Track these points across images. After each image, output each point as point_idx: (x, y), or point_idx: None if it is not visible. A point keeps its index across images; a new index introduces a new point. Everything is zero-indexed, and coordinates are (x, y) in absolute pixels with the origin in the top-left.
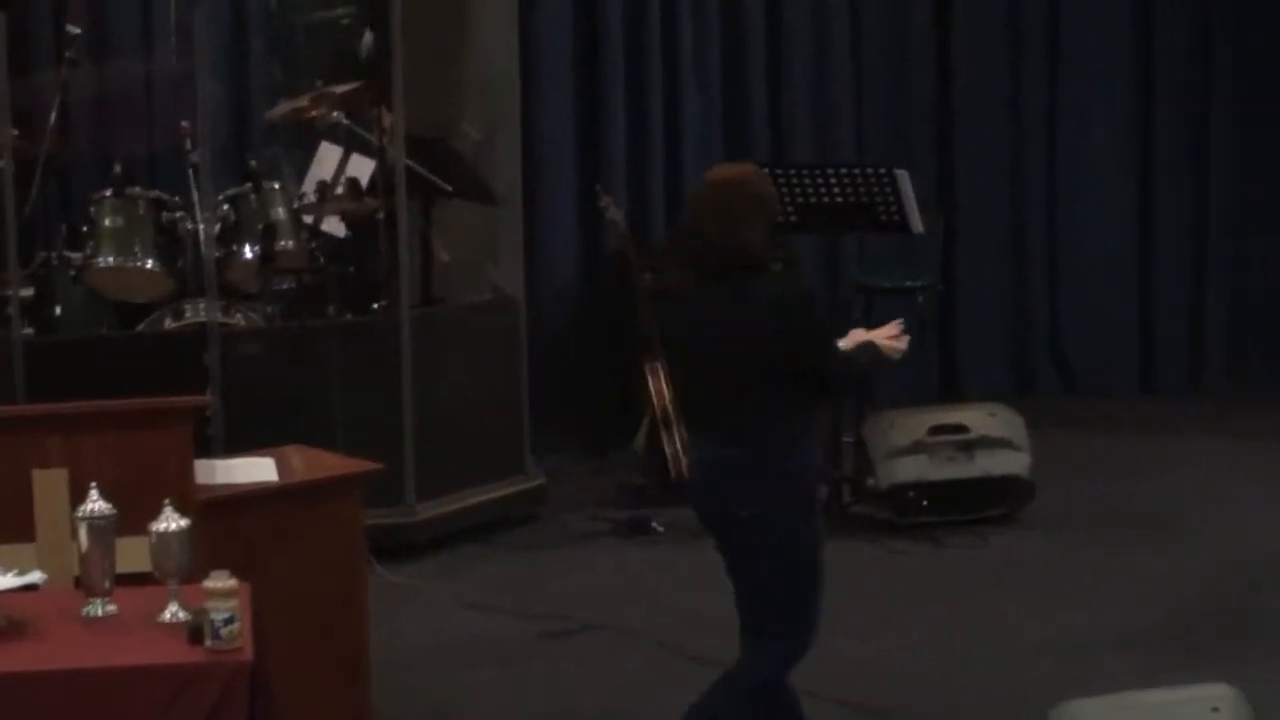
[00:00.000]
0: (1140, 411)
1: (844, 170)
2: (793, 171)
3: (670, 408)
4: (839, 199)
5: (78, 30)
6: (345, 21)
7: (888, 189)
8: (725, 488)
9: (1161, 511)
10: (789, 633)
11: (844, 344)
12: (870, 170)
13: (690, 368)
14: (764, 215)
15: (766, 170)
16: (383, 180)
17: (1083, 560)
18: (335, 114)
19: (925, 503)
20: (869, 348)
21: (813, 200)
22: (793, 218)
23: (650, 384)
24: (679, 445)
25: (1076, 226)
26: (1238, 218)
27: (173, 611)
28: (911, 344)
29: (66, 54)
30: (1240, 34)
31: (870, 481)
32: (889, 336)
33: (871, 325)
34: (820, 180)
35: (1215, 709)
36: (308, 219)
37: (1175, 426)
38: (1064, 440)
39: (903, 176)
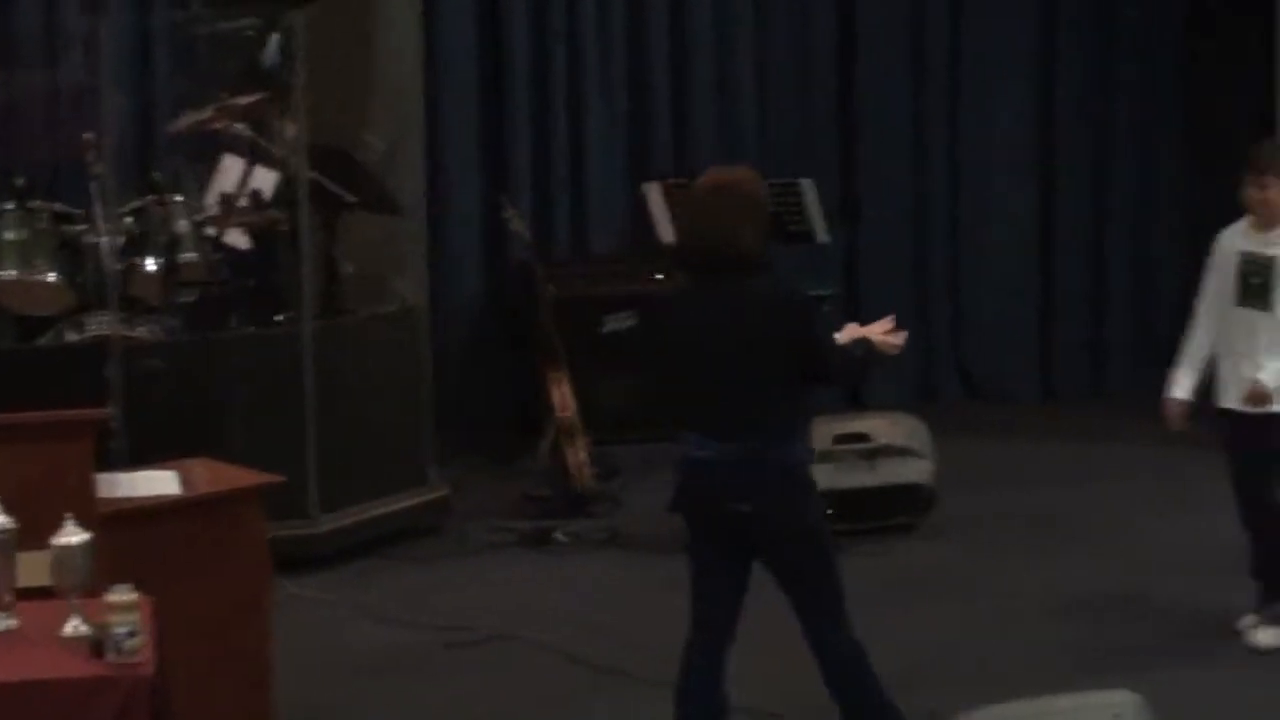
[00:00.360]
0: (1042, 418)
1: None
2: (695, 181)
3: (573, 419)
4: None
5: None
6: (249, 33)
7: (792, 199)
8: (729, 484)
9: (1063, 517)
10: (831, 608)
11: (840, 338)
12: (775, 181)
13: (692, 367)
14: (759, 217)
15: (670, 181)
16: (286, 192)
17: (986, 567)
18: (239, 126)
19: (830, 511)
20: (865, 343)
21: None
22: None
23: (554, 395)
24: (582, 456)
25: (978, 236)
26: (1139, 227)
27: (74, 626)
28: None
29: None
30: (1140, 43)
31: None
32: (883, 332)
33: None
34: None
35: (1117, 715)
36: (211, 231)
37: (1076, 433)
38: (966, 448)
39: (808, 186)
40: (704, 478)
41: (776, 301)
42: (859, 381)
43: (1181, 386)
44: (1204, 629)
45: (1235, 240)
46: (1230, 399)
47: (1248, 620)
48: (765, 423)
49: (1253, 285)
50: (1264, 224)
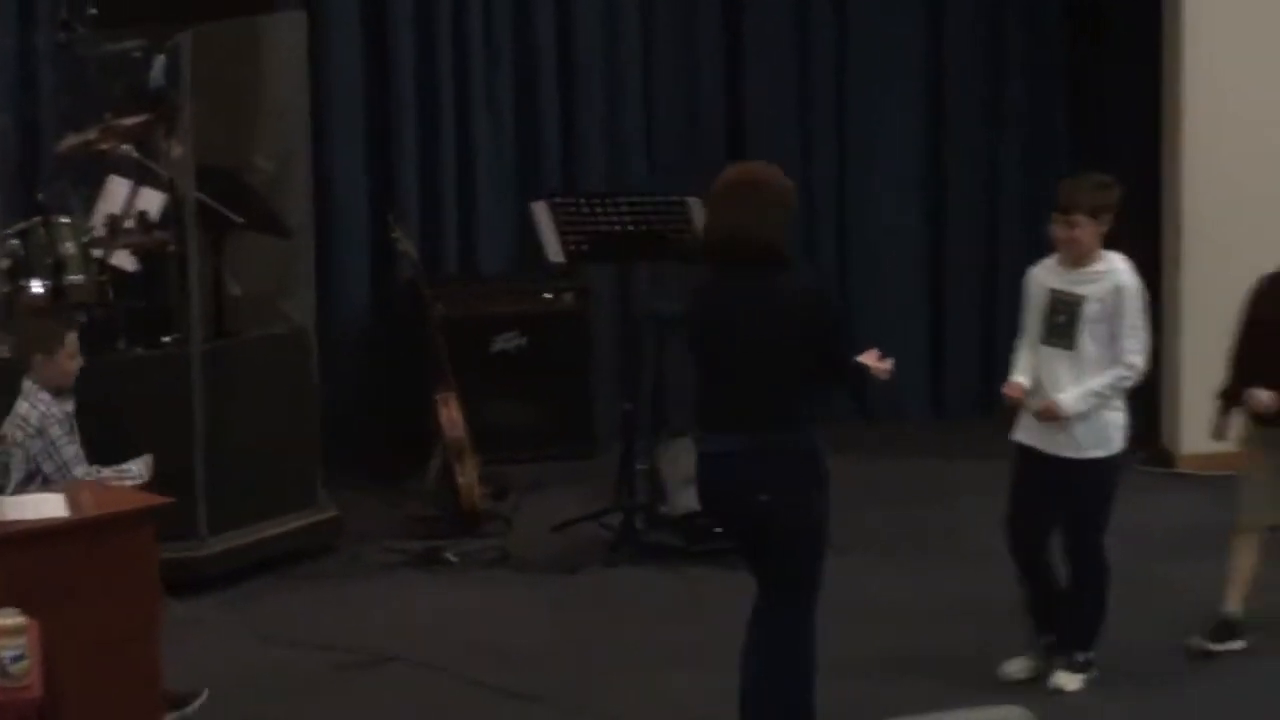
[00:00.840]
0: (932, 436)
1: (635, 199)
2: (584, 200)
3: (463, 439)
4: (631, 228)
5: None
6: (136, 54)
7: (679, 217)
8: (745, 478)
9: (954, 534)
10: (803, 600)
11: None
12: (662, 198)
13: (710, 363)
14: (784, 211)
15: (559, 200)
16: (173, 213)
17: (877, 584)
18: (125, 147)
19: (719, 529)
20: (859, 366)
21: (604, 229)
22: (584, 247)
23: (442, 415)
24: (472, 476)
25: (867, 253)
26: (1027, 244)
27: None
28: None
29: None
30: (1027, 64)
31: (664, 509)
32: (875, 359)
33: (666, 353)
34: (612, 209)
35: None
36: (97, 253)
37: (967, 450)
38: (857, 466)
39: (694, 204)
40: (724, 471)
41: (801, 297)
42: (859, 394)
43: (1022, 375)
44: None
45: (1045, 277)
46: (1025, 434)
47: (1013, 666)
48: (784, 414)
49: (1058, 324)
50: (1072, 262)
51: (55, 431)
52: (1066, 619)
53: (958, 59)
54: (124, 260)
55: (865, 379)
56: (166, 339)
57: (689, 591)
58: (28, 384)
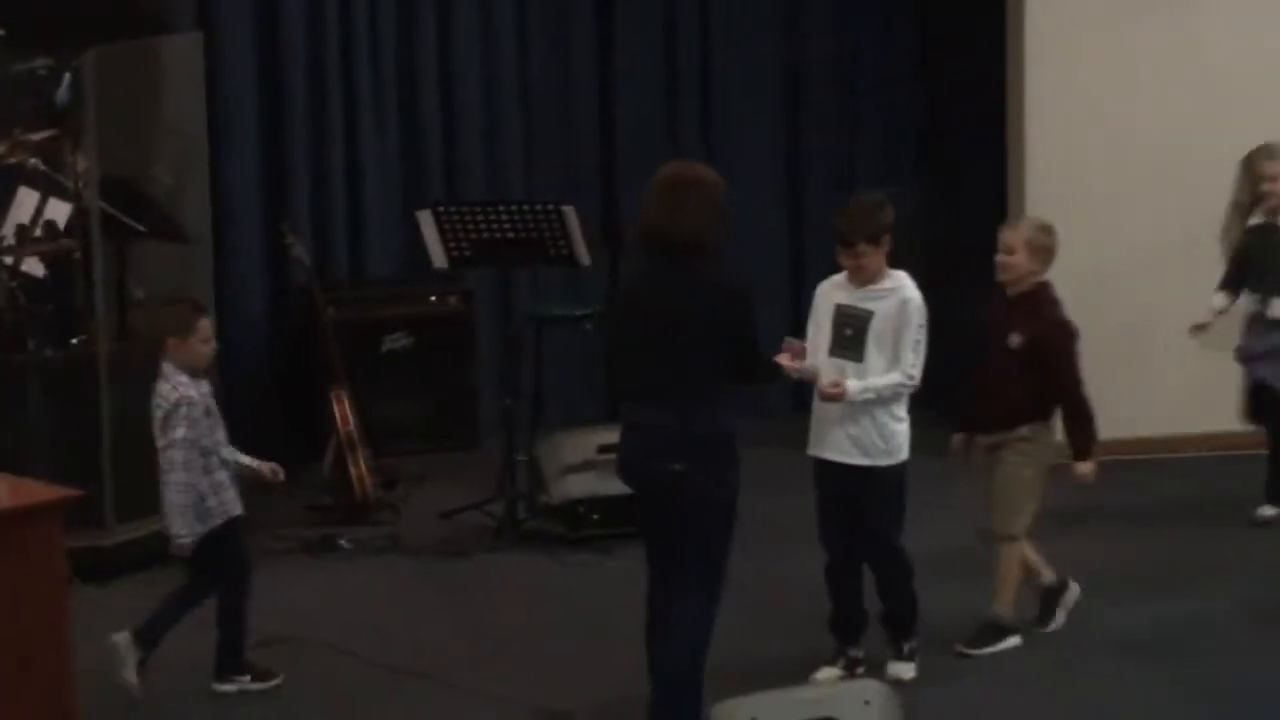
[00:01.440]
0: (793, 427)
1: (515, 207)
2: (466, 209)
3: (354, 433)
4: (510, 235)
5: None
6: (42, 73)
7: (556, 225)
8: (661, 447)
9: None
10: (708, 585)
11: None
12: (539, 207)
13: (635, 341)
14: (716, 209)
15: (442, 209)
16: (78, 222)
17: (742, 566)
18: (32, 160)
19: (595, 516)
20: (773, 363)
21: (485, 236)
22: (467, 253)
23: (335, 410)
24: (363, 467)
25: (732, 253)
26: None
27: None
28: (579, 366)
29: None
30: (878, 83)
31: (544, 498)
32: (788, 359)
33: (544, 352)
34: (493, 217)
35: (867, 702)
36: (7, 260)
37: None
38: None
39: (569, 213)
40: (642, 439)
41: (717, 286)
42: (767, 384)
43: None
44: (942, 628)
45: (833, 293)
46: (818, 447)
47: (822, 674)
48: (700, 393)
49: (846, 337)
50: (860, 283)
51: (190, 411)
52: (887, 618)
53: (813, 79)
54: (33, 266)
55: (774, 374)
56: (74, 340)
57: (567, 574)
58: (166, 366)
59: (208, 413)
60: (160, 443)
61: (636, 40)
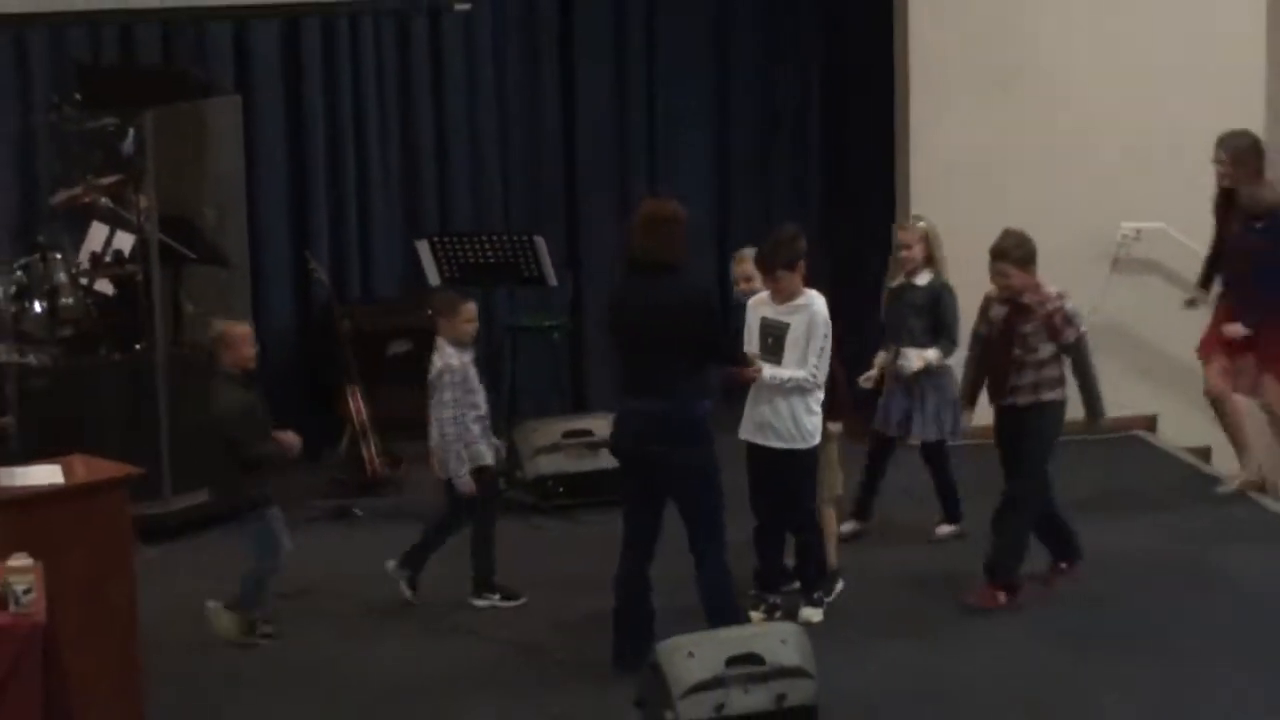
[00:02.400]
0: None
1: (494, 237)
2: (455, 238)
3: (365, 422)
4: (491, 259)
5: None
6: (111, 130)
7: (528, 251)
8: (649, 431)
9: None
10: (713, 535)
11: None
12: (515, 236)
13: (624, 342)
14: (681, 235)
15: (436, 239)
16: (140, 250)
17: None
18: (103, 200)
19: (562, 490)
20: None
21: (471, 260)
22: (456, 274)
23: (350, 404)
24: (372, 450)
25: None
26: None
27: None
28: (548, 367)
29: None
30: (792, 127)
31: (519, 474)
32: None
33: (518, 355)
34: (477, 245)
35: (784, 641)
36: (84, 281)
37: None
38: None
39: (540, 242)
40: (631, 424)
41: (688, 297)
42: (731, 363)
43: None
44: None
45: (759, 308)
46: (747, 432)
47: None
48: (676, 385)
49: (768, 344)
50: (780, 300)
51: (451, 377)
52: (801, 572)
53: (737, 123)
54: (104, 286)
55: (738, 358)
56: (137, 346)
57: (538, 537)
58: (439, 340)
59: (466, 378)
60: (431, 400)
61: (593, 97)
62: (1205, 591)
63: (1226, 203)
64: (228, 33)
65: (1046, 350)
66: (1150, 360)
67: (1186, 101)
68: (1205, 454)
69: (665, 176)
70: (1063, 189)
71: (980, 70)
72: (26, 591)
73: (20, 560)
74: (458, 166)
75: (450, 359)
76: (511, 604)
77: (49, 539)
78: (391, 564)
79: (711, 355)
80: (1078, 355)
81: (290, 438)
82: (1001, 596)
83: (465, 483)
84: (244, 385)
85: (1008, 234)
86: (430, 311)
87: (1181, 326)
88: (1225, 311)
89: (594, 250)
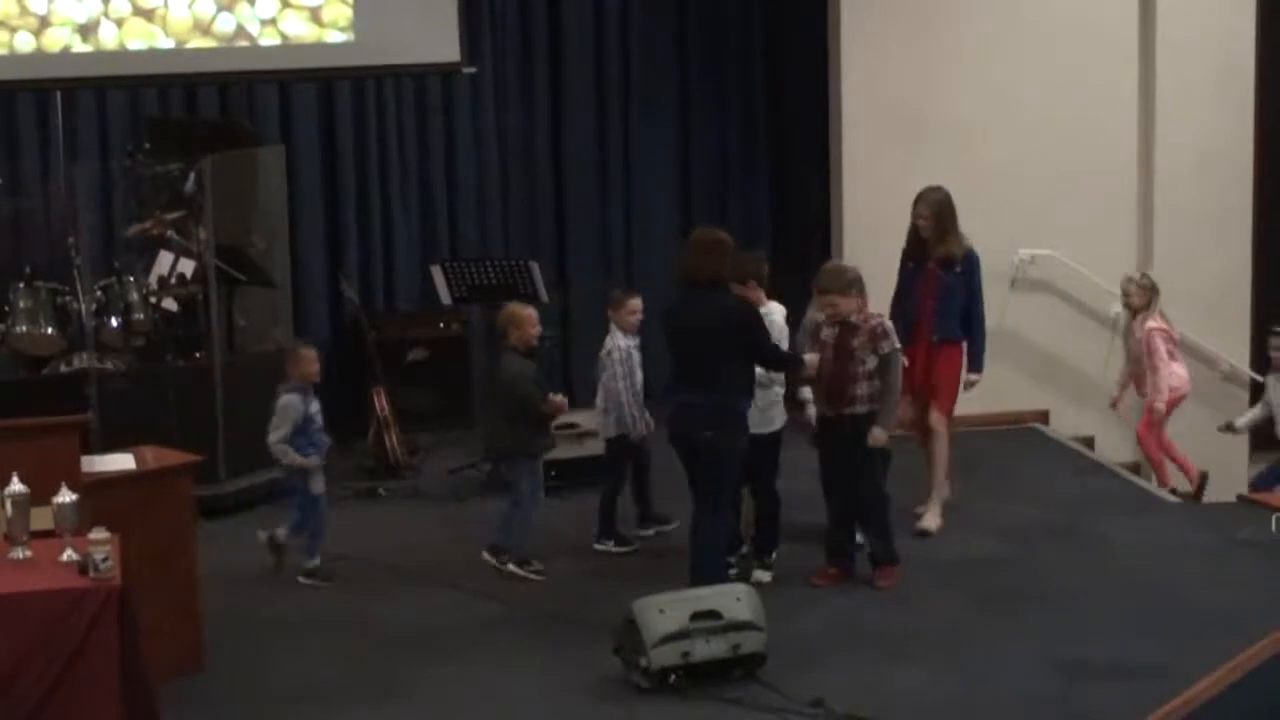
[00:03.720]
0: None
1: (496, 262)
2: (463, 263)
3: (388, 417)
4: (493, 280)
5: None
6: (175, 173)
7: (525, 274)
8: (696, 420)
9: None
10: (726, 504)
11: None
12: (513, 261)
13: (676, 347)
14: (725, 256)
15: (447, 263)
16: (201, 274)
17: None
18: (170, 232)
19: (554, 473)
20: (795, 358)
21: (476, 281)
22: (464, 294)
23: (375, 401)
24: (395, 440)
25: (645, 296)
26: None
27: (68, 555)
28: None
29: None
30: (745, 157)
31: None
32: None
33: None
34: (481, 268)
35: (738, 599)
36: (153, 300)
37: None
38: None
39: (534, 266)
40: (686, 414)
41: (734, 310)
42: (789, 371)
43: None
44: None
45: None
46: None
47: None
48: (720, 382)
49: None
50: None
51: (618, 355)
52: (759, 536)
53: (699, 161)
54: (170, 304)
55: (790, 364)
56: (197, 354)
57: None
58: (612, 325)
59: (629, 358)
60: (602, 374)
61: (579, 144)
62: (1088, 551)
63: (921, 249)
64: (274, 92)
65: (872, 362)
66: (1043, 364)
67: (1071, 146)
68: (1089, 442)
69: (639, 211)
70: (970, 221)
71: (900, 119)
72: (105, 560)
73: (100, 533)
74: (465, 203)
75: (617, 340)
76: (625, 550)
77: (124, 515)
78: (603, 545)
79: (760, 359)
80: (885, 366)
81: (560, 400)
82: (894, 574)
83: (642, 434)
84: (527, 357)
85: (826, 270)
86: (610, 302)
87: (1069, 336)
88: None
89: (579, 272)
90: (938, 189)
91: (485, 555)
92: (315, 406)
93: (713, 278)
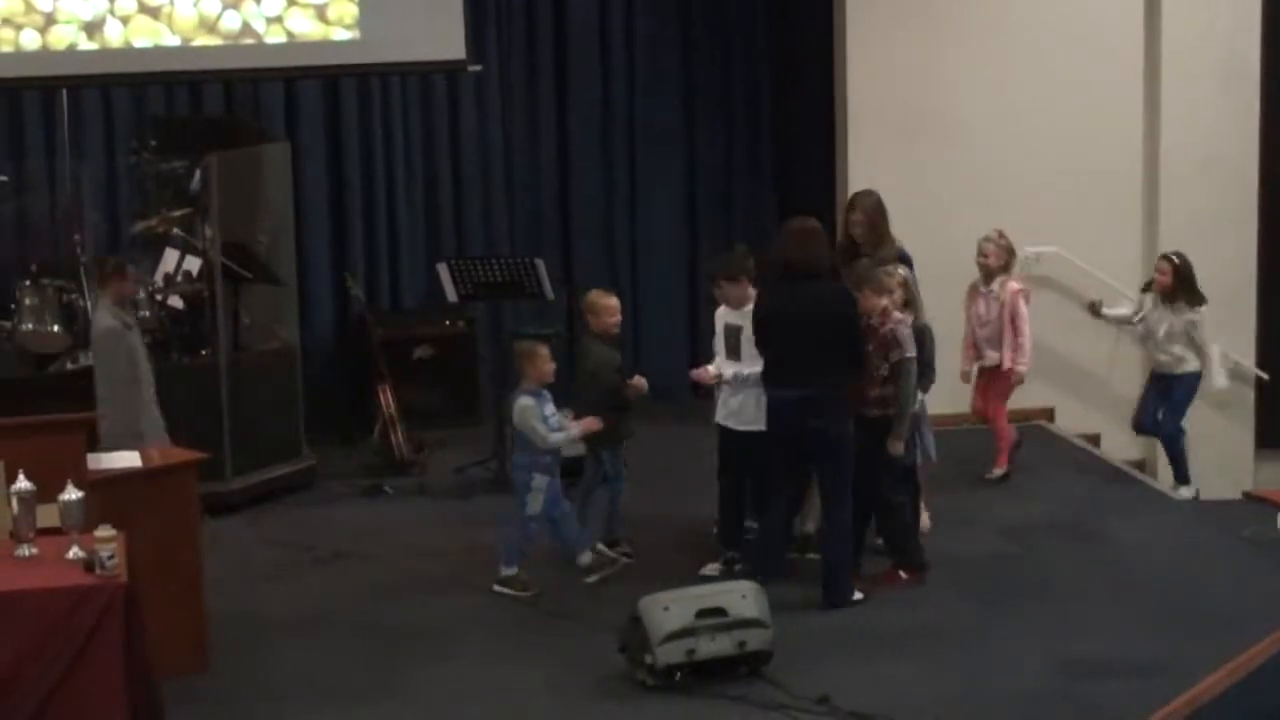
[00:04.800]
0: (694, 409)
1: (502, 260)
2: (469, 261)
3: (394, 414)
4: (500, 278)
5: (5, 177)
6: (181, 170)
7: (530, 272)
8: (808, 410)
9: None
10: (843, 499)
11: None
12: (519, 259)
13: (781, 338)
14: (822, 244)
15: (453, 261)
16: (207, 271)
17: (656, 503)
18: (175, 230)
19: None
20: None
21: (483, 279)
22: (470, 291)
23: (381, 398)
24: (400, 437)
25: (650, 295)
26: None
27: (74, 552)
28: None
29: None
30: (750, 159)
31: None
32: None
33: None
34: (487, 266)
35: (744, 596)
36: (159, 297)
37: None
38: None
39: (540, 263)
40: (795, 407)
41: (838, 297)
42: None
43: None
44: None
45: (722, 314)
46: (721, 418)
47: (708, 568)
48: (829, 372)
49: (730, 344)
50: (735, 305)
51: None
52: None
53: (703, 173)
54: (175, 302)
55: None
56: (203, 351)
57: None
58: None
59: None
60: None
61: (584, 141)
62: (1092, 549)
63: (855, 253)
64: (279, 89)
65: (886, 368)
66: (1048, 361)
67: (1076, 144)
68: (1095, 440)
69: (644, 209)
70: (974, 218)
71: (905, 118)
72: (110, 557)
73: (105, 530)
74: (471, 200)
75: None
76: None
77: (129, 512)
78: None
79: (851, 350)
80: (896, 374)
81: (641, 382)
82: (903, 574)
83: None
84: (610, 344)
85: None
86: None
87: (1074, 333)
88: None
89: (585, 270)
90: (870, 193)
91: (601, 548)
92: (550, 409)
93: (813, 267)
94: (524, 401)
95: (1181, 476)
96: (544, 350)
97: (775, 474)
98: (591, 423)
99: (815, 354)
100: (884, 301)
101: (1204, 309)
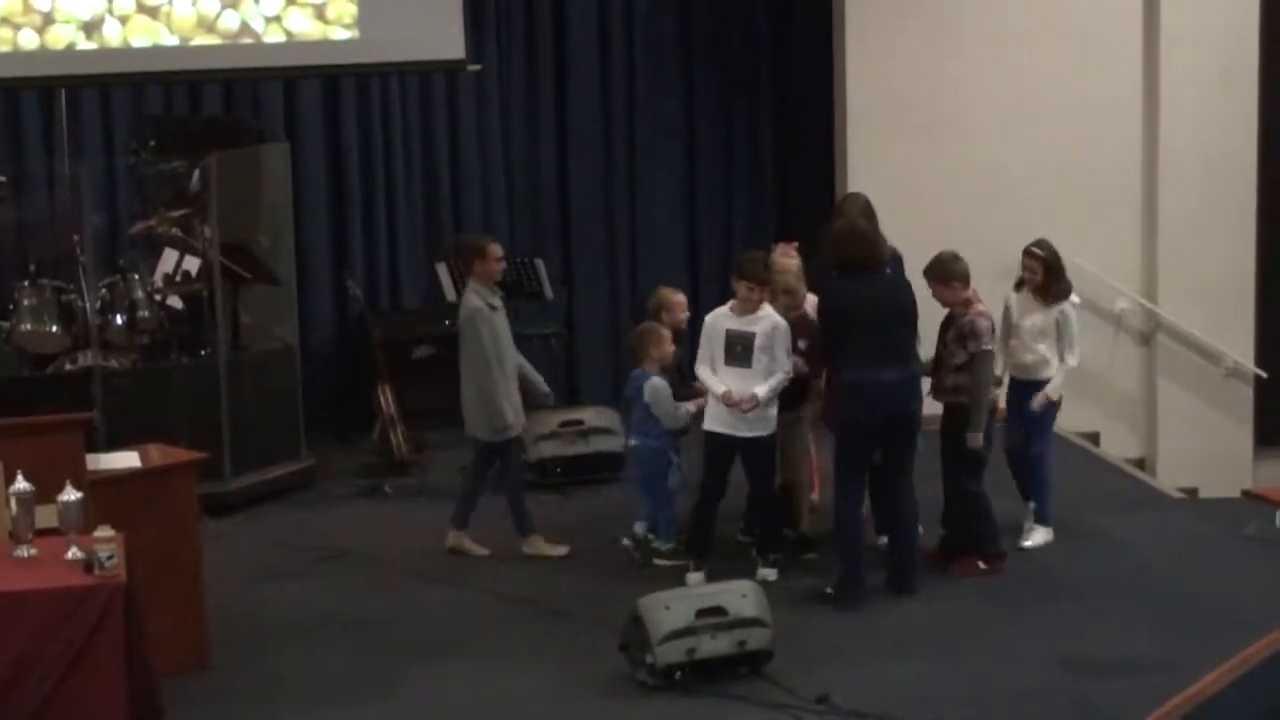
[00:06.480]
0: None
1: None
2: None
3: (394, 413)
4: (499, 278)
5: (3, 177)
6: (180, 170)
7: (530, 271)
8: (906, 394)
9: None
10: (910, 471)
11: None
12: (519, 259)
13: (867, 326)
14: (881, 238)
15: (452, 261)
16: (206, 271)
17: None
18: (174, 229)
19: (559, 470)
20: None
21: None
22: None
23: (381, 398)
24: (400, 437)
25: (648, 292)
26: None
27: (73, 552)
28: (547, 367)
29: None
30: (749, 162)
31: (523, 456)
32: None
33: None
34: None
35: (744, 595)
36: (157, 298)
37: None
38: None
39: (540, 264)
40: (891, 391)
41: (905, 285)
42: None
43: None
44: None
45: (721, 320)
46: (712, 424)
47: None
48: (912, 356)
49: (736, 352)
50: (743, 312)
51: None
52: (761, 537)
53: (703, 171)
54: (174, 302)
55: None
56: (203, 351)
57: (539, 509)
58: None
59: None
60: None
61: (583, 142)
62: (1093, 547)
63: None
64: (278, 90)
65: (961, 358)
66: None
67: (1075, 143)
68: (1095, 438)
69: (644, 208)
70: (973, 216)
71: (906, 117)
72: (110, 557)
73: (104, 531)
74: (470, 200)
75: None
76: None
77: (128, 513)
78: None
79: (915, 333)
80: (971, 365)
81: (698, 404)
82: (981, 564)
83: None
84: (675, 340)
85: (934, 257)
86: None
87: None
88: None
89: (585, 270)
90: (857, 195)
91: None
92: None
93: (880, 259)
94: (657, 383)
95: (1042, 514)
96: (666, 331)
97: (856, 466)
98: (703, 401)
99: (906, 340)
100: (966, 293)
101: (1075, 299)
